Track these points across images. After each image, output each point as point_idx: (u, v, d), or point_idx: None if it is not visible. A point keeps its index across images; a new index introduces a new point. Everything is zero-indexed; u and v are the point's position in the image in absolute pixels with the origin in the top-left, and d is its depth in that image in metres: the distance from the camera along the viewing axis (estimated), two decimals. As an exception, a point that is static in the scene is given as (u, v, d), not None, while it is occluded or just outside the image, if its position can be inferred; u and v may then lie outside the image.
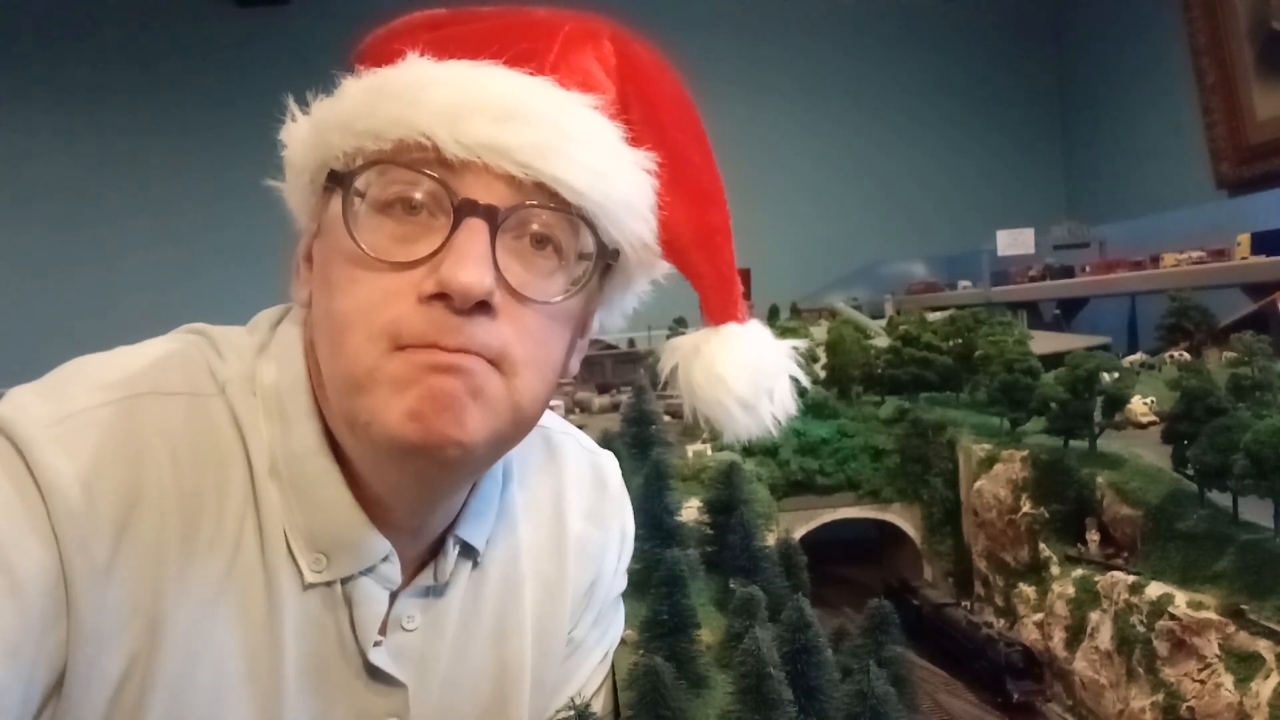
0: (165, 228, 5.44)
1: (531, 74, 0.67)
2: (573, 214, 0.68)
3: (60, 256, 5.35)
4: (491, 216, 0.65)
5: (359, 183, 0.67)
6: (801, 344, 0.83)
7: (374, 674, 0.77)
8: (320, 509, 0.72)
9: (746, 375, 0.77)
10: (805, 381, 0.82)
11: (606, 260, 0.72)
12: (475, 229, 0.64)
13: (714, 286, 0.79)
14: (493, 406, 0.67)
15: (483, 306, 0.64)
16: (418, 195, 0.66)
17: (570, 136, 0.66)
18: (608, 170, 0.68)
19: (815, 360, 2.95)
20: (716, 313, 0.79)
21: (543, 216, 0.67)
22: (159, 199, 5.45)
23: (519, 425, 0.72)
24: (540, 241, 0.68)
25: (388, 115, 0.65)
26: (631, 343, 3.54)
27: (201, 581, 0.68)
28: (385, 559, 0.75)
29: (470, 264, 0.63)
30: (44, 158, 5.40)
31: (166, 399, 0.70)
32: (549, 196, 0.66)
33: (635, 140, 0.71)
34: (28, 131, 5.39)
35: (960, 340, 2.78)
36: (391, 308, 0.64)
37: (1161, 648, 1.53)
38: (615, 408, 2.81)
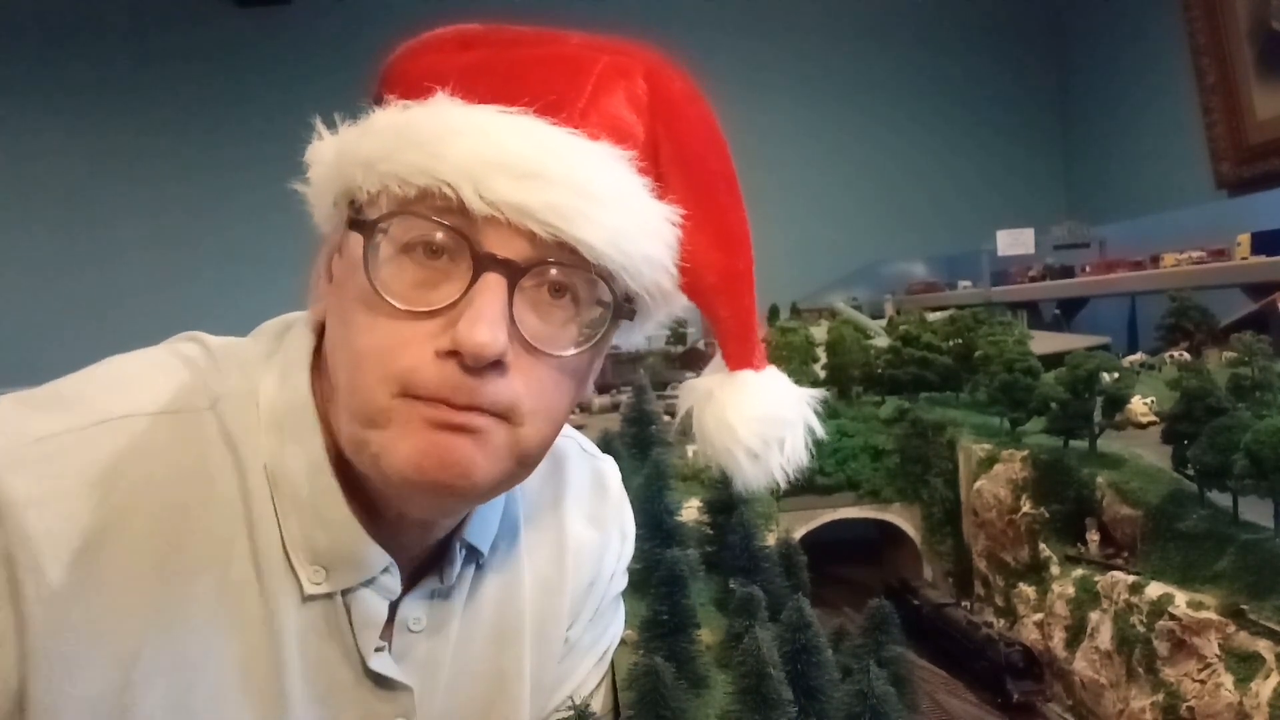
0: (165, 228, 5.44)
1: (561, 123, 0.67)
2: (592, 271, 0.68)
3: (60, 257, 5.35)
4: (511, 271, 0.65)
5: (381, 224, 0.67)
6: (819, 393, 0.82)
7: (379, 679, 0.77)
8: (320, 524, 0.72)
9: (756, 425, 0.77)
10: (820, 431, 0.81)
11: (622, 314, 0.72)
12: (493, 284, 0.65)
13: (733, 331, 0.78)
14: (498, 455, 0.68)
15: (495, 364, 0.65)
16: (438, 241, 0.66)
17: (593, 197, 0.66)
18: (630, 230, 0.68)
19: (815, 360, 2.95)
20: (733, 358, 0.79)
21: (562, 270, 0.68)
22: (159, 199, 5.45)
23: (524, 467, 0.73)
24: (558, 290, 0.69)
25: (412, 163, 0.65)
26: (632, 343, 3.54)
27: (184, 603, 0.68)
28: (385, 570, 0.75)
29: (485, 325, 0.63)
30: (44, 158, 5.41)
31: (147, 419, 0.70)
32: (569, 253, 0.66)
33: (663, 183, 0.71)
34: (28, 131, 5.39)
35: (960, 340, 2.78)
36: (406, 356, 0.65)
37: (1161, 648, 1.53)
38: (615, 408, 2.81)
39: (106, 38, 5.47)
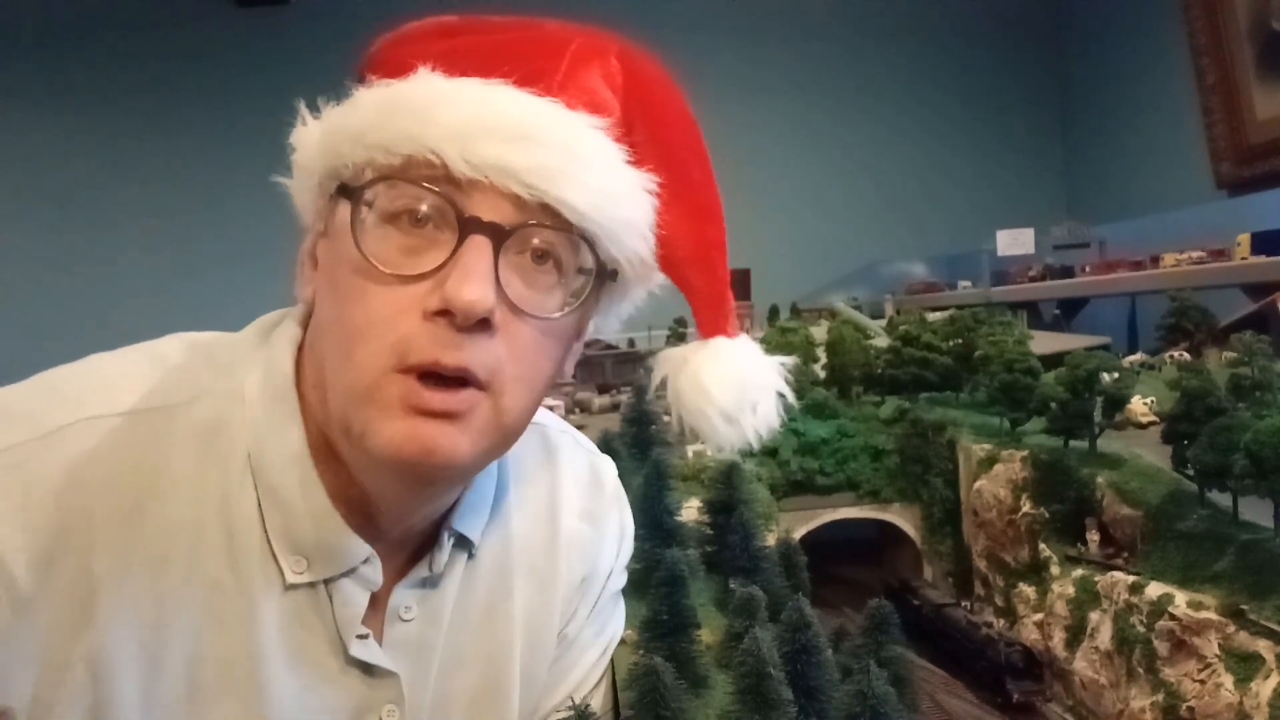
0: (165, 228, 5.44)
1: (540, 94, 0.69)
2: (574, 233, 0.70)
3: (59, 256, 5.35)
4: (496, 234, 0.66)
5: (368, 194, 0.68)
6: (789, 360, 0.85)
7: (365, 667, 0.78)
8: (299, 515, 0.73)
9: (731, 388, 0.79)
10: (791, 397, 0.83)
11: (605, 277, 0.74)
12: (479, 246, 0.66)
13: (706, 301, 0.81)
14: (481, 429, 0.70)
15: (483, 323, 0.66)
16: (424, 209, 0.67)
17: (576, 159, 0.68)
18: (610, 192, 0.70)
19: (815, 360, 2.95)
20: (707, 326, 0.81)
21: (545, 234, 0.69)
22: (159, 199, 5.45)
23: (506, 439, 0.74)
24: (541, 257, 0.70)
25: (399, 131, 0.66)
26: (631, 343, 3.54)
27: (150, 598, 0.69)
28: (365, 561, 0.76)
29: (474, 282, 0.65)
30: (44, 158, 5.40)
31: (106, 421, 0.70)
32: (552, 216, 0.68)
33: (638, 158, 0.73)
34: (28, 131, 5.39)
35: (960, 340, 2.78)
36: (398, 324, 0.66)
37: (1161, 648, 1.53)
38: (615, 408, 2.81)
39: (106, 38, 5.46)
